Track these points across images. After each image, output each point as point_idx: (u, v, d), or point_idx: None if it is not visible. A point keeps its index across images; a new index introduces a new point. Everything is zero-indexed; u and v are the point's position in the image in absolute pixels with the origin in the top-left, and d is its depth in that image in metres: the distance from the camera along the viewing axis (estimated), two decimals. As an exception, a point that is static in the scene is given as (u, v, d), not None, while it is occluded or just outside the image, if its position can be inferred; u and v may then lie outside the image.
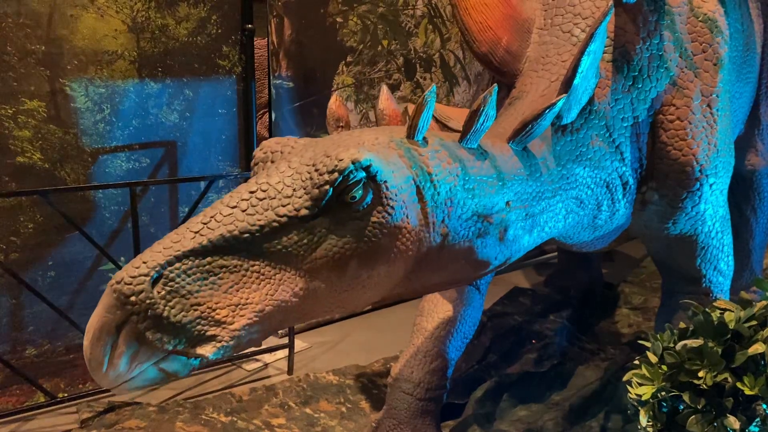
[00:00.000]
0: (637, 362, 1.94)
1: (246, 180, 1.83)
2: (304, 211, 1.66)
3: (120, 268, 3.39)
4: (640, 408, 1.88)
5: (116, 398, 3.40)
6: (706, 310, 1.91)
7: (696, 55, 2.50)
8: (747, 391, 1.72)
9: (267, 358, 3.98)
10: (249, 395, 3.42)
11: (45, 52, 3.16)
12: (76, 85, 3.28)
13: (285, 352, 3.89)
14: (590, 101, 2.33)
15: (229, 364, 3.86)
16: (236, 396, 3.40)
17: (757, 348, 1.75)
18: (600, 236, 2.65)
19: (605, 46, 2.35)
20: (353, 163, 1.65)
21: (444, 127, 2.30)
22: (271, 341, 4.11)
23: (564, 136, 2.28)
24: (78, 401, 3.33)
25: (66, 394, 3.40)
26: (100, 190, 3.41)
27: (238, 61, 3.79)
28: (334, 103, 2.12)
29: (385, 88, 2.24)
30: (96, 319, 1.55)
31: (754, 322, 1.85)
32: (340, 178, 1.65)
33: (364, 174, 1.68)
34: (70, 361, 3.48)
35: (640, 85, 2.42)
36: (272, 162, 1.85)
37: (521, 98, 2.40)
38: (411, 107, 1.97)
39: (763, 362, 1.77)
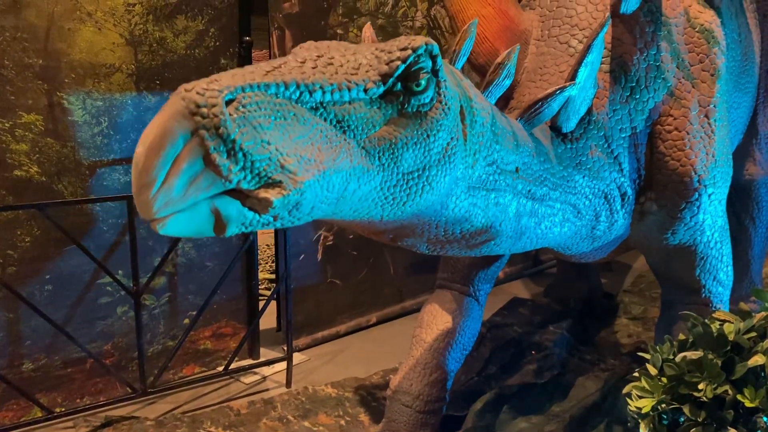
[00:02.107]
0: (636, 374, 1.93)
1: None
2: (371, 85, 1.59)
3: (118, 281, 3.40)
4: (640, 421, 1.87)
5: (113, 413, 3.39)
6: (706, 321, 1.90)
7: (693, 66, 2.51)
8: (747, 404, 1.71)
9: (265, 371, 3.96)
10: (247, 409, 3.40)
11: (42, 65, 3.16)
12: (74, 98, 3.28)
13: (283, 364, 3.87)
14: (589, 111, 2.34)
15: (228, 377, 3.84)
16: (234, 409, 3.39)
17: (757, 360, 1.74)
18: (599, 247, 2.64)
19: (603, 57, 2.36)
20: (426, 44, 1.62)
21: None
22: (270, 354, 4.09)
23: (563, 144, 2.29)
24: (75, 416, 3.31)
25: (63, 409, 3.38)
26: (98, 204, 3.40)
27: (235, 74, 3.79)
28: (368, 30, 2.10)
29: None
30: (157, 125, 1.27)
31: (753, 334, 1.84)
32: (413, 57, 1.60)
33: (431, 64, 1.65)
34: (68, 376, 3.46)
35: (637, 96, 2.42)
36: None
37: (519, 108, 2.41)
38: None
39: (763, 374, 1.76)
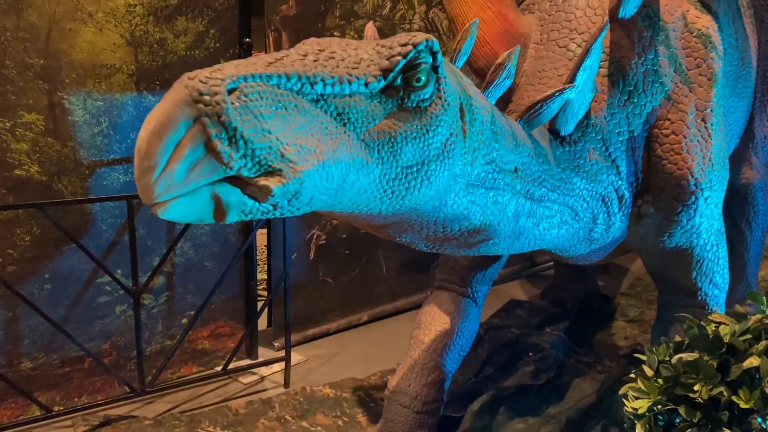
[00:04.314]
0: (633, 375, 1.95)
1: None
2: (372, 79, 1.61)
3: (117, 281, 3.41)
4: (636, 421, 1.88)
5: (112, 412, 3.39)
6: (702, 323, 1.92)
7: (690, 70, 2.53)
8: (742, 405, 1.73)
9: (263, 371, 3.97)
10: (245, 409, 3.41)
11: (43, 65, 3.17)
12: (74, 98, 3.29)
13: (281, 365, 3.88)
14: (587, 115, 2.36)
15: (226, 377, 3.85)
16: (232, 409, 3.39)
17: (752, 361, 1.75)
18: (596, 249, 2.66)
19: (601, 61, 2.38)
20: (426, 41, 1.64)
21: None
22: (267, 353, 4.10)
23: (561, 147, 2.31)
24: (74, 415, 3.32)
25: (62, 408, 3.39)
26: (98, 203, 3.41)
27: (235, 75, 3.80)
28: (370, 28, 2.12)
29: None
30: (160, 111, 1.29)
31: (749, 336, 1.86)
32: (413, 52, 1.62)
33: (431, 60, 1.67)
34: (66, 374, 3.46)
35: (635, 100, 2.44)
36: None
37: (518, 111, 2.42)
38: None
39: (758, 376, 1.77)
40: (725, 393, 1.76)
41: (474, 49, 2.46)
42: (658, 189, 2.53)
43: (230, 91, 1.35)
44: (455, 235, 2.02)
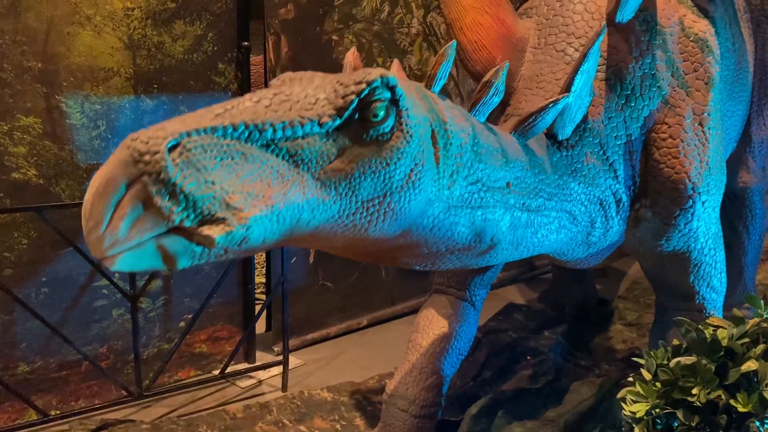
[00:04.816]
0: (631, 379, 1.95)
1: None
2: (326, 119, 1.63)
3: (114, 284, 3.41)
4: (634, 425, 1.88)
5: (109, 416, 3.38)
6: (699, 327, 1.92)
7: (687, 75, 2.53)
8: (740, 408, 1.73)
9: (261, 375, 3.96)
10: (243, 412, 3.40)
11: (41, 69, 3.17)
12: (72, 101, 3.29)
13: (279, 368, 3.88)
14: (584, 119, 2.36)
15: (223, 381, 3.85)
16: (230, 413, 3.39)
17: (750, 365, 1.76)
18: (594, 253, 2.66)
19: (598, 65, 2.39)
20: (381, 78, 1.65)
21: None
22: (265, 357, 4.09)
23: (559, 152, 2.31)
24: (70, 419, 3.31)
25: (58, 412, 3.38)
26: (95, 207, 3.40)
27: (234, 78, 3.81)
28: (351, 55, 2.14)
29: (396, 62, 2.25)
30: (103, 173, 1.40)
31: (746, 339, 1.86)
32: (367, 90, 1.64)
33: (389, 95, 1.68)
34: (63, 378, 3.46)
35: (632, 104, 2.45)
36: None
37: (516, 115, 2.43)
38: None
39: (756, 379, 1.78)
40: (723, 396, 1.76)
41: (471, 53, 2.47)
42: (655, 193, 2.53)
43: (172, 148, 1.43)
44: (444, 254, 2.04)
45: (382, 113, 1.67)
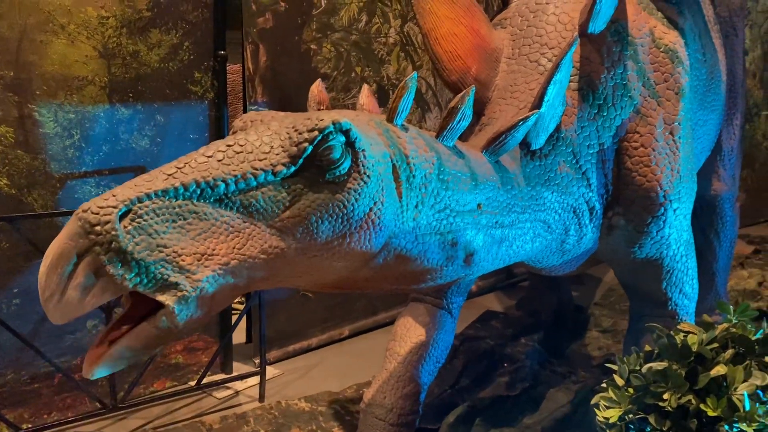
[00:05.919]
0: (604, 385, 1.97)
1: None
2: (280, 167, 1.64)
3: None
4: (608, 431, 1.90)
5: (82, 429, 3.34)
6: (671, 333, 1.95)
7: (658, 85, 2.58)
8: (710, 413, 1.76)
9: (238, 385, 3.93)
10: (220, 424, 3.38)
11: (13, 77, 3.14)
12: (45, 110, 3.25)
13: (256, 379, 3.85)
14: (557, 128, 2.39)
15: (200, 392, 3.81)
16: (207, 424, 3.36)
17: (719, 370, 1.78)
18: (568, 260, 2.69)
19: (571, 75, 2.42)
20: (334, 124, 1.66)
21: None
22: (243, 368, 4.06)
23: (533, 161, 2.33)
24: (43, 432, 3.26)
25: (30, 425, 3.32)
26: (69, 217, 3.36)
27: (210, 87, 3.79)
28: (316, 87, 2.14)
29: (366, 87, 2.26)
30: (56, 246, 1.46)
31: (716, 345, 1.89)
32: (320, 137, 1.65)
33: (343, 138, 1.69)
34: (35, 391, 3.40)
35: (605, 113, 2.48)
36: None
37: (490, 125, 2.46)
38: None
39: (725, 384, 1.80)
40: (693, 401, 1.78)
41: (447, 63, 2.49)
42: (628, 201, 2.57)
43: (124, 215, 1.48)
44: (416, 277, 2.05)
45: (337, 156, 1.68)
